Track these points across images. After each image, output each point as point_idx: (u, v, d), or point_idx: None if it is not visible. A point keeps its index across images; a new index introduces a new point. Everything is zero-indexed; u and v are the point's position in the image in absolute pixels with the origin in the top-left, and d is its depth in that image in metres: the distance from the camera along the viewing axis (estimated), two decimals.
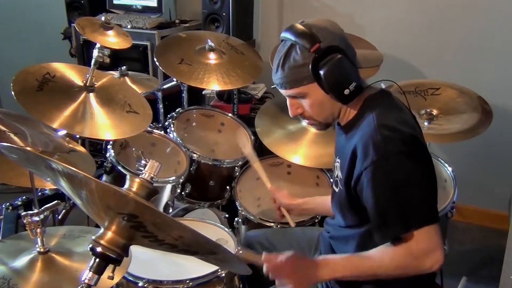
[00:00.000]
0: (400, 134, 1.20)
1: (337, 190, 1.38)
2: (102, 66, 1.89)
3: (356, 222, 1.33)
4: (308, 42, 1.22)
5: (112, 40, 2.27)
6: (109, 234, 0.90)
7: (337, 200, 1.38)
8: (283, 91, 1.33)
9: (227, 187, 2.21)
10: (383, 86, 1.53)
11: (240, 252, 1.45)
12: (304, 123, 2.21)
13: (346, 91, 1.24)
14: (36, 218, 1.21)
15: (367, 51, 1.44)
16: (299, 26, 1.26)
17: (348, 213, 1.34)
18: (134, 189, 0.92)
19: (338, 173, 1.36)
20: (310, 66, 1.23)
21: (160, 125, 2.42)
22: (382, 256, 1.21)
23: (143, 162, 0.98)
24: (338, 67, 1.22)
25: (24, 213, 1.22)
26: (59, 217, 2.19)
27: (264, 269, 1.23)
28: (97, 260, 0.90)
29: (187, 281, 1.43)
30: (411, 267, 1.18)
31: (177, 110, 2.36)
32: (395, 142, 1.18)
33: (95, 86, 1.82)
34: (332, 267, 1.23)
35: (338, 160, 1.37)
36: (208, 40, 2.43)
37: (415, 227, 1.15)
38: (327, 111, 1.32)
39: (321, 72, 1.22)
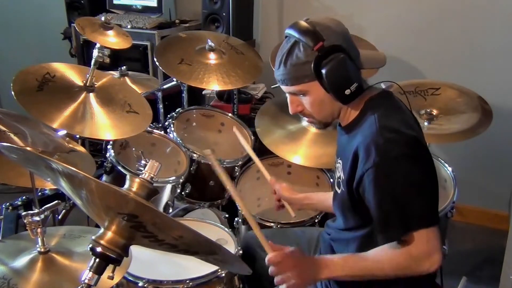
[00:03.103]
0: (402, 136, 1.20)
1: (339, 191, 1.38)
2: (102, 66, 1.89)
3: (357, 224, 1.33)
4: (311, 40, 1.22)
5: (112, 40, 2.27)
6: (109, 234, 0.90)
7: (339, 201, 1.38)
8: (284, 88, 1.33)
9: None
10: (383, 86, 1.53)
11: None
12: (305, 122, 2.21)
13: (347, 91, 1.24)
14: (37, 218, 1.21)
15: (370, 52, 1.43)
16: (303, 24, 1.26)
17: (349, 214, 1.34)
18: (134, 189, 0.92)
19: (340, 174, 1.36)
20: (312, 64, 1.23)
21: (160, 125, 2.42)
22: (381, 257, 1.22)
23: (143, 162, 0.99)
24: (340, 66, 1.22)
25: (25, 213, 1.22)
26: (59, 217, 2.19)
27: (267, 258, 1.20)
28: (97, 260, 0.90)
29: (187, 281, 1.44)
30: (409, 268, 1.19)
31: (177, 110, 2.36)
32: (397, 144, 1.18)
33: (95, 86, 1.82)
34: (330, 268, 1.23)
35: (340, 161, 1.37)
36: (208, 40, 2.43)
37: (415, 228, 1.16)
38: (327, 110, 1.33)
39: (323, 71, 1.22)
